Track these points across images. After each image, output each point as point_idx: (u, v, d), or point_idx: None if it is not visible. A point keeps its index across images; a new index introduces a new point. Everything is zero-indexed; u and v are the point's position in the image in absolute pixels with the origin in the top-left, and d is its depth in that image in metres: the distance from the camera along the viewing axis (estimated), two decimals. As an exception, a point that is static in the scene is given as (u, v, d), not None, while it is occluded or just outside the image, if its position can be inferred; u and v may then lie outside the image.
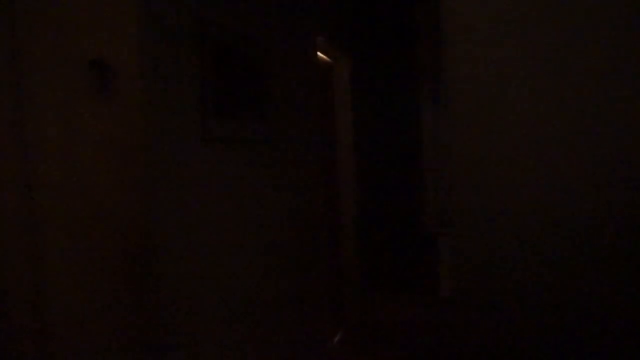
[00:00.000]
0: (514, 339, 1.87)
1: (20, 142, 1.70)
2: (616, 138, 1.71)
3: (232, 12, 2.16)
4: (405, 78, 4.16)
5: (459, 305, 2.02)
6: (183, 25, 1.81)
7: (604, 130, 1.72)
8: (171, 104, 1.74)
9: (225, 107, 2.05)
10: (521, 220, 1.83)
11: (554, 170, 1.78)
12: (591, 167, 1.74)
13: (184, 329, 1.77)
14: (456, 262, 2.01)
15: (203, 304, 1.89)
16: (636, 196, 1.70)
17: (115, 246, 1.63)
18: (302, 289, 2.86)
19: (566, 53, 1.76)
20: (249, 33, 2.29)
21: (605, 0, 1.70)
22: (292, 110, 2.79)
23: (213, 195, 1.98)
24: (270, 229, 2.46)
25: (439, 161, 4.12)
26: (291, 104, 2.78)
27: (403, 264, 4.24)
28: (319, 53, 3.48)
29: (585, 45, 1.74)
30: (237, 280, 2.13)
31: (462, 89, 1.91)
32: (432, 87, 4.10)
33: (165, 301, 1.68)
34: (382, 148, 4.25)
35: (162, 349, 1.65)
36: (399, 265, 4.25)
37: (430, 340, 3.76)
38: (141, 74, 1.58)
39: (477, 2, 1.85)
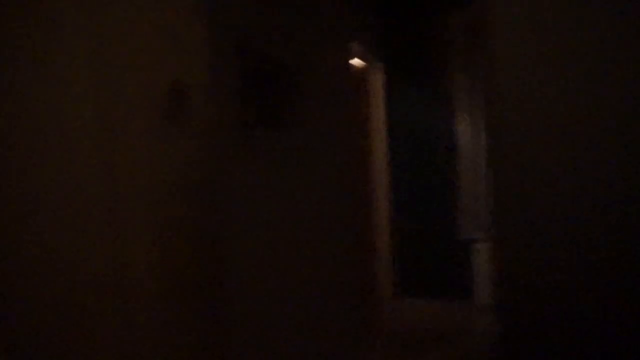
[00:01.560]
0: (558, 346, 1.84)
1: (107, 162, 1.79)
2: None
3: (270, 24, 2.20)
4: (439, 85, 4.14)
5: (500, 313, 2.00)
6: (230, 44, 1.87)
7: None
8: (225, 120, 1.81)
9: (266, 119, 2.09)
10: (567, 225, 1.81)
11: (600, 174, 1.76)
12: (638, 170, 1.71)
13: (247, 323, 1.83)
14: (497, 269, 1.99)
15: (255, 301, 1.94)
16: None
17: (185, 249, 1.72)
18: (337, 294, 2.87)
19: (614, 58, 1.74)
20: (285, 43, 2.33)
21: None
22: (327, 117, 2.82)
23: (259, 202, 2.02)
24: (308, 234, 2.48)
25: (473, 167, 4.08)
26: (326, 111, 2.81)
27: (438, 270, 4.21)
28: (352, 59, 3.50)
29: (634, 51, 1.71)
30: (280, 284, 2.16)
31: (503, 92, 1.90)
32: (466, 92, 4.07)
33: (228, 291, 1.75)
34: (416, 153, 4.24)
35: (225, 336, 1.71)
36: (434, 272, 4.23)
37: (465, 348, 3.72)
38: (208, 99, 1.66)
39: (522, 5, 1.85)
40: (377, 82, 4.12)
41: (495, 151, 1.96)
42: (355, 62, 3.80)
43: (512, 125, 1.88)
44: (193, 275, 1.70)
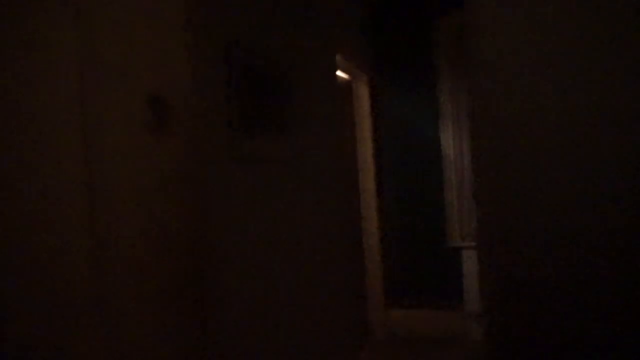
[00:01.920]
0: (546, 353, 1.86)
1: (87, 171, 1.80)
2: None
3: (257, 34, 2.22)
4: (424, 94, 4.19)
5: (489, 321, 2.01)
6: (215, 52, 1.88)
7: (636, 137, 1.72)
8: (210, 129, 1.82)
9: (252, 127, 2.10)
10: (550, 232, 1.84)
11: (582, 181, 1.79)
12: (624, 178, 1.74)
13: (230, 331, 1.82)
14: (485, 278, 2.01)
15: (243, 314, 1.94)
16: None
17: (169, 256, 1.74)
18: (327, 304, 2.88)
19: (598, 61, 1.77)
20: (272, 52, 2.35)
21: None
22: (314, 128, 2.84)
23: (245, 212, 2.03)
24: (295, 246, 2.49)
25: (459, 175, 4.12)
26: (313, 122, 2.83)
27: (427, 278, 4.23)
28: (338, 71, 3.54)
29: (619, 54, 1.75)
30: (266, 295, 2.17)
31: (486, 98, 1.93)
32: (451, 101, 4.12)
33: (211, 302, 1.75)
34: (403, 163, 4.27)
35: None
36: (423, 280, 4.24)
37: (456, 357, 3.73)
38: (191, 109, 1.68)
39: (505, 12, 1.88)
40: (364, 93, 4.16)
41: (479, 158, 1.99)
42: (342, 73, 3.83)
43: (495, 132, 1.91)
44: (176, 278, 1.72)
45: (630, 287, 1.73)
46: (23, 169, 1.80)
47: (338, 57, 3.42)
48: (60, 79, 1.77)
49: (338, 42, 3.45)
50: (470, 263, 4.00)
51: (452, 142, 4.12)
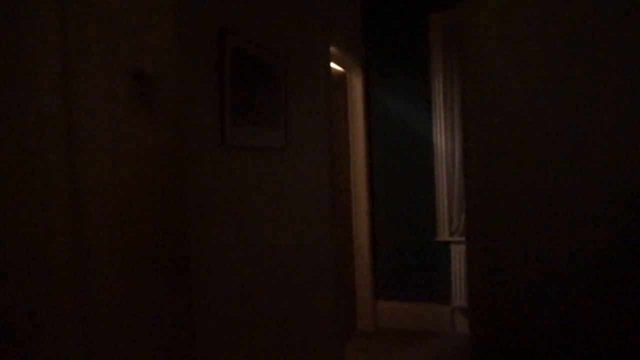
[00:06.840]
0: (527, 348, 1.88)
1: (69, 148, 1.78)
2: (634, 144, 1.73)
3: (250, 22, 2.21)
4: (417, 89, 4.19)
5: (472, 314, 2.04)
6: (206, 34, 1.87)
7: (620, 135, 1.74)
8: (197, 112, 1.81)
9: (243, 115, 2.10)
10: (534, 228, 1.85)
11: (567, 178, 1.80)
12: (608, 174, 1.75)
13: (207, 318, 1.82)
14: (470, 272, 2.03)
15: (225, 303, 1.94)
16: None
17: (152, 243, 1.73)
18: (315, 297, 2.89)
19: (585, 66, 1.78)
20: (266, 41, 2.34)
21: (622, 11, 1.73)
22: (306, 119, 2.84)
23: (233, 200, 2.03)
24: (282, 235, 2.49)
25: (450, 170, 4.14)
26: (306, 112, 2.83)
27: (416, 271, 4.25)
28: (332, 63, 3.53)
29: (607, 61, 1.76)
30: (252, 283, 2.17)
31: (476, 100, 1.94)
32: (444, 97, 4.13)
33: (195, 288, 1.75)
34: (394, 157, 4.28)
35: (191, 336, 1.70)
36: (411, 273, 4.27)
37: (442, 349, 3.76)
38: (177, 86, 1.66)
39: (497, 13, 1.89)
40: (358, 85, 4.16)
41: (470, 154, 2.00)
42: (336, 64, 3.83)
43: (487, 129, 1.92)
44: (157, 259, 1.71)
45: (615, 284, 1.75)
46: (4, 144, 1.78)
47: (332, 49, 3.42)
48: (41, 53, 1.75)
49: (332, 33, 3.44)
50: (458, 257, 4.03)
51: (443, 137, 4.13)
